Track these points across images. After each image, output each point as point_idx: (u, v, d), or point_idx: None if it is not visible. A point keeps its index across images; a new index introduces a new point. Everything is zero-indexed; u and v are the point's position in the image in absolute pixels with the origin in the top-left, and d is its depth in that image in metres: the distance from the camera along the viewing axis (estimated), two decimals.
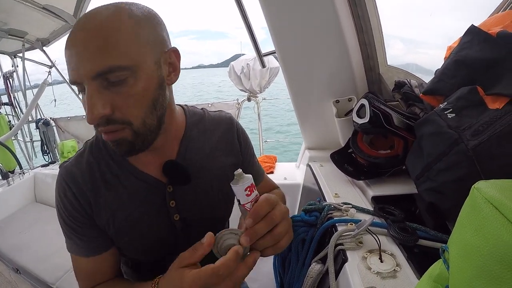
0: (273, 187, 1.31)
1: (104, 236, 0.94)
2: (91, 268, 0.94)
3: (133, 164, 0.93)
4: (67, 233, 0.93)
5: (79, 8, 3.15)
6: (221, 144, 1.07)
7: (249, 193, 0.74)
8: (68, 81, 4.25)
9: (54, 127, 5.31)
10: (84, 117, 5.38)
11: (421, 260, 0.84)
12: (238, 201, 0.75)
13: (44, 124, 5.10)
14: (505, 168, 0.78)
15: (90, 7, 3.20)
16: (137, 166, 0.93)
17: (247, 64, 4.19)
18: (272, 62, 3.80)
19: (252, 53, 4.59)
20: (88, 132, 5.61)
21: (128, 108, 0.75)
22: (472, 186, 0.44)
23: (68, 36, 0.72)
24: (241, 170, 0.74)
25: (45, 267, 2.52)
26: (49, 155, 5.17)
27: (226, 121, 1.11)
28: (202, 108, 1.11)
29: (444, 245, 0.50)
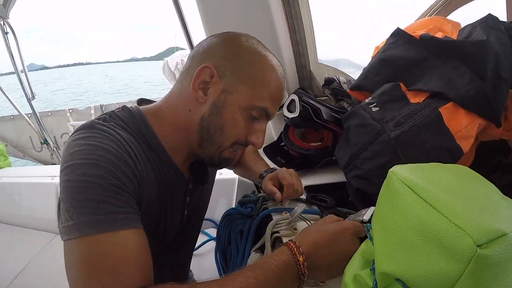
0: None
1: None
2: (142, 243, 0.70)
3: (171, 157, 0.91)
4: (103, 198, 0.67)
5: None
6: None
7: None
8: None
9: None
10: (12, 117, 5.02)
11: None
12: None
13: None
14: (424, 154, 0.87)
15: (28, 7, 3.01)
16: (173, 160, 0.92)
17: (181, 60, 4.11)
18: None
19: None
20: (17, 134, 5.20)
21: None
22: (389, 170, 0.50)
23: (277, 75, 0.89)
24: None
25: None
26: None
27: None
28: None
29: (368, 224, 0.56)
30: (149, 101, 1.01)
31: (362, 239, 0.70)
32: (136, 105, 0.92)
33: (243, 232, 1.09)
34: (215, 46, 0.87)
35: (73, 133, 0.76)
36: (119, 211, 0.67)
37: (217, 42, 0.88)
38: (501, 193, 0.51)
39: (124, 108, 0.88)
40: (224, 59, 0.84)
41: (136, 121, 0.85)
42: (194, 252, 1.30)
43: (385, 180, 0.51)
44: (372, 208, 0.78)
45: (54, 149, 4.66)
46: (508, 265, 0.40)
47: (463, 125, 0.88)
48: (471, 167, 0.90)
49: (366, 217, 0.77)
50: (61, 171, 0.70)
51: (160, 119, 0.89)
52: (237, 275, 0.65)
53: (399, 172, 0.48)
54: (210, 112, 0.84)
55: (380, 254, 0.50)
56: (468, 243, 0.37)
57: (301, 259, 0.67)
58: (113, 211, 0.66)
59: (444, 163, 0.58)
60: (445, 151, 0.87)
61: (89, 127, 0.76)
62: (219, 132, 0.85)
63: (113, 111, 0.86)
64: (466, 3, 1.56)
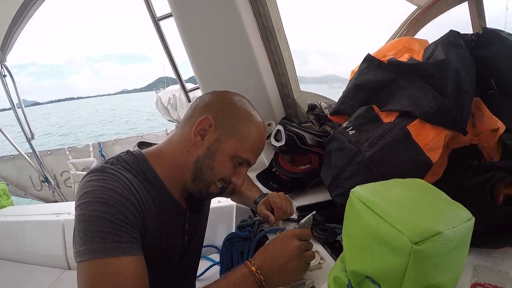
0: None
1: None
2: (140, 268, 0.84)
3: (170, 191, 1.04)
4: (110, 230, 0.82)
5: (6, 43, 3.04)
6: None
7: None
8: None
9: None
10: (12, 156, 5.07)
11: (341, 252, 1.00)
12: None
13: None
14: (396, 169, 0.96)
15: (17, 43, 3.11)
16: (172, 193, 1.05)
17: (174, 95, 4.25)
18: (198, 92, 3.74)
19: None
20: (18, 173, 5.27)
21: None
22: (350, 191, 0.62)
23: (260, 131, 1.07)
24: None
25: None
26: None
27: None
28: None
29: (341, 234, 0.68)
30: (147, 144, 1.16)
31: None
32: (138, 148, 1.07)
33: (243, 253, 1.19)
34: (214, 103, 1.06)
35: (86, 175, 0.93)
36: (123, 241, 0.82)
37: (216, 100, 1.07)
38: (449, 199, 0.62)
39: (128, 152, 1.04)
40: (220, 113, 1.02)
41: (139, 163, 1.00)
42: (200, 277, 1.39)
43: (348, 199, 0.63)
44: (309, 215, 1.00)
45: (55, 187, 4.74)
46: (448, 256, 0.52)
47: (430, 138, 0.97)
48: (445, 172, 1.01)
49: (302, 221, 0.99)
50: (76, 206, 0.86)
51: (161, 158, 1.05)
52: None
53: (357, 191, 0.62)
54: (205, 155, 1.01)
55: (348, 257, 0.63)
56: (405, 242, 0.49)
57: (253, 268, 0.86)
58: (118, 241, 0.81)
59: (414, 176, 0.71)
60: (415, 164, 0.96)
61: (100, 170, 0.92)
62: (210, 171, 1.02)
63: (119, 155, 1.02)
64: (431, 21, 1.69)
